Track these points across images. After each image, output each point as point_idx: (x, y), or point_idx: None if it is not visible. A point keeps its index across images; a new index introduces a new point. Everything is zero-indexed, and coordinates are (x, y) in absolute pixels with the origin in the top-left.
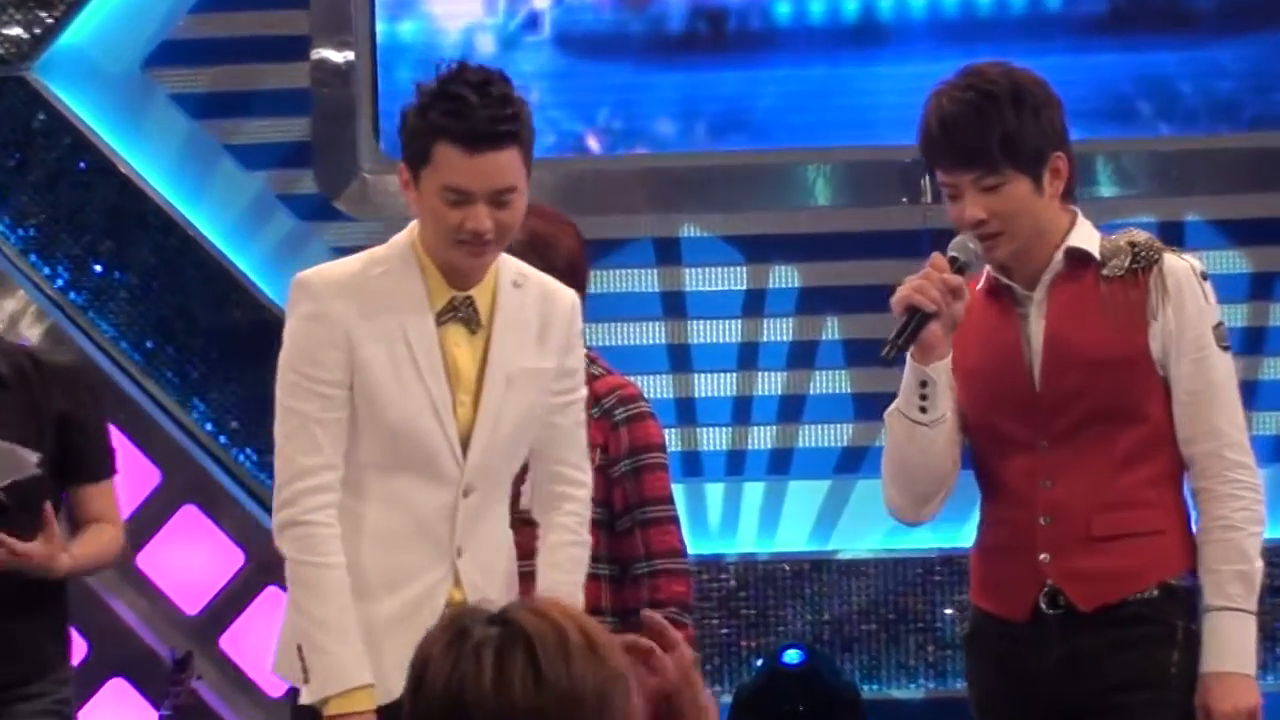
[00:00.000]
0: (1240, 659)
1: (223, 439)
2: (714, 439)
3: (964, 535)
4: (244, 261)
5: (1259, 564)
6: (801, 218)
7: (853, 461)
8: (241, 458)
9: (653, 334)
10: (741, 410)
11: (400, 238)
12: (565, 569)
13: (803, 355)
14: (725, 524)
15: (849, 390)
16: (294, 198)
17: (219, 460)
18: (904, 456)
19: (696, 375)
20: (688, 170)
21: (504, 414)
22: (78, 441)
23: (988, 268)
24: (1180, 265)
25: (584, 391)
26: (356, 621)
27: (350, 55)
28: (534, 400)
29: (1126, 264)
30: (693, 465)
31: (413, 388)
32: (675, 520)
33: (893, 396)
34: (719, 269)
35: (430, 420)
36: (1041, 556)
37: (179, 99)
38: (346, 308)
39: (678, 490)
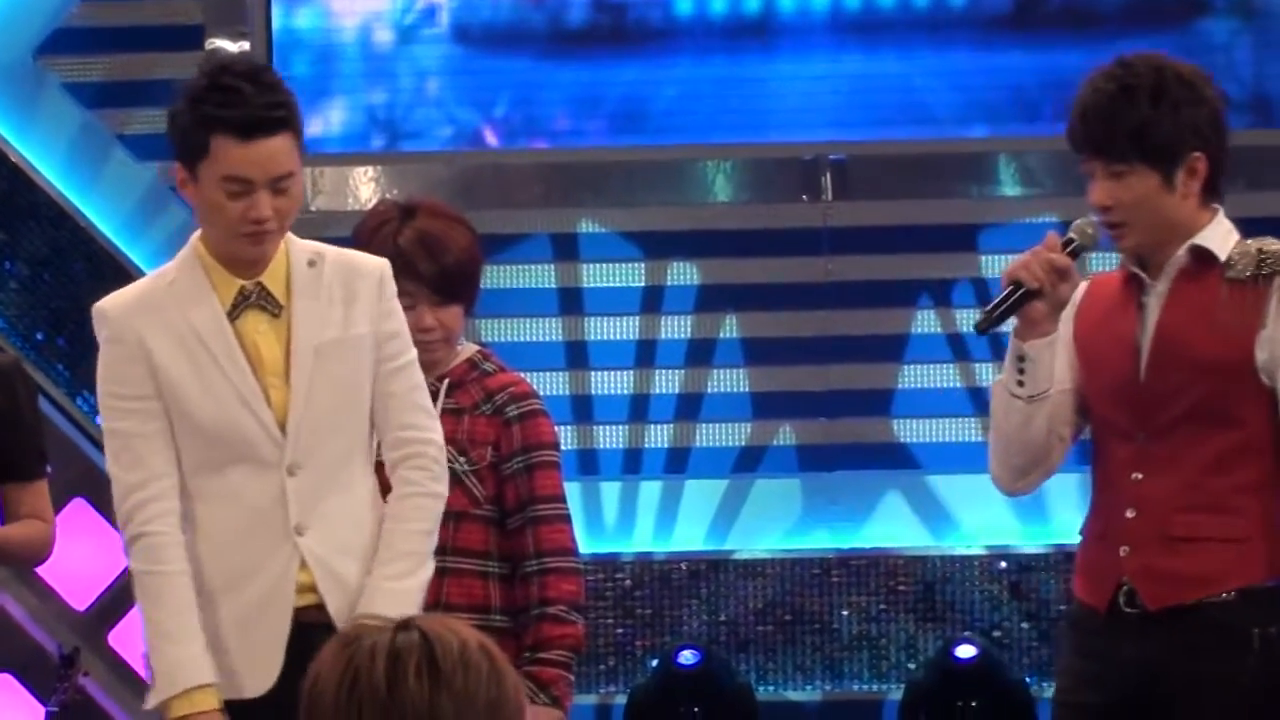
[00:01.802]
0: None
1: None
2: (611, 437)
3: (861, 537)
4: (136, 253)
5: None
6: (701, 214)
7: (751, 461)
8: None
9: (549, 330)
10: (638, 408)
11: (184, 249)
12: (403, 518)
13: (701, 353)
14: (621, 523)
15: (747, 389)
16: None
17: None
18: (1002, 428)
19: (593, 373)
20: (586, 165)
21: (316, 387)
22: (9, 440)
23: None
24: None
25: (413, 353)
26: (197, 623)
27: (245, 45)
28: (351, 369)
29: (1251, 269)
30: (589, 463)
31: (216, 383)
32: (567, 518)
33: (793, 396)
34: (617, 265)
35: (240, 410)
36: (1122, 550)
37: (71, 88)
38: (139, 324)
39: (573, 488)
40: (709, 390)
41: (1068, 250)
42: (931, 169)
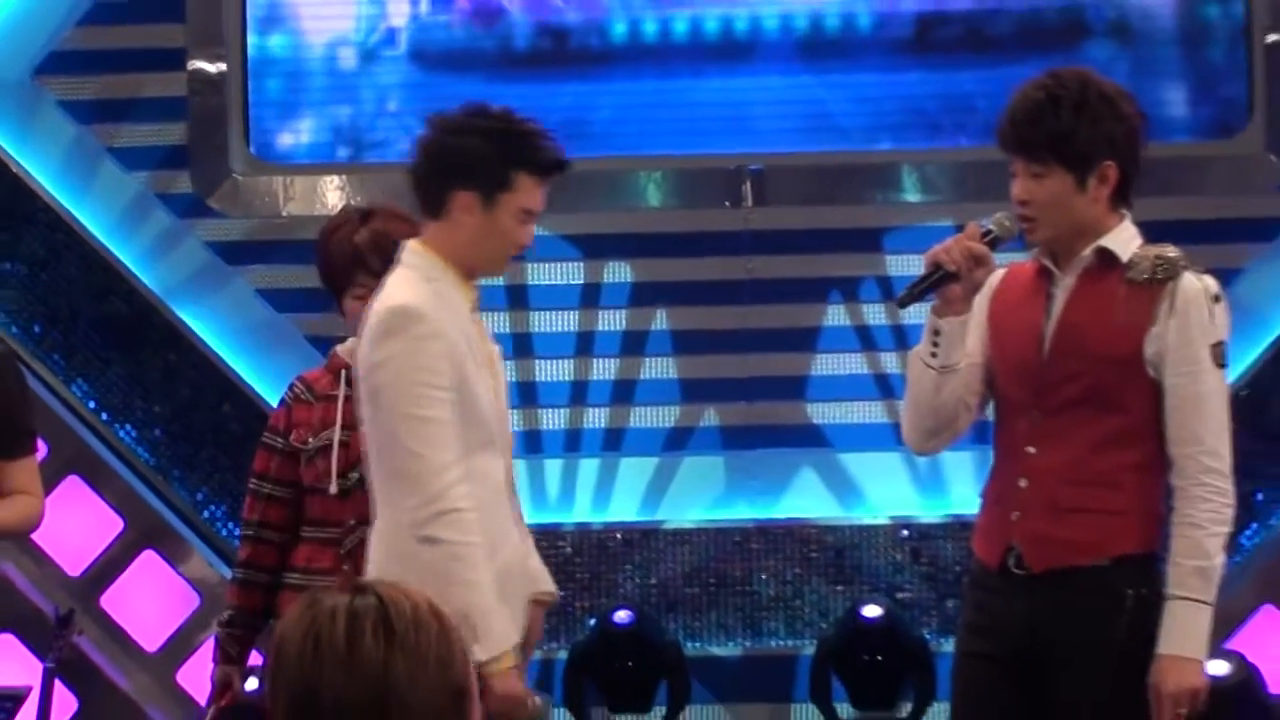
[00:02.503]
0: (1191, 644)
1: (104, 415)
2: (553, 419)
3: (778, 508)
4: (125, 254)
5: (1219, 560)
6: (634, 219)
7: (679, 440)
8: (121, 433)
9: (498, 323)
10: (578, 393)
11: (414, 258)
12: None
13: (634, 343)
14: (563, 496)
15: (676, 375)
16: (171, 197)
17: (100, 434)
18: (916, 392)
19: (537, 361)
20: None
21: (501, 384)
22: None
23: (1037, 249)
24: (1195, 285)
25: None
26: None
27: (223, 66)
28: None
29: (1149, 273)
30: (534, 443)
31: (481, 377)
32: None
33: (717, 382)
34: (558, 264)
35: (489, 400)
36: (1014, 515)
37: (66, 105)
38: (445, 320)
39: (519, 465)
40: (641, 377)
41: (985, 240)
42: (842, 178)
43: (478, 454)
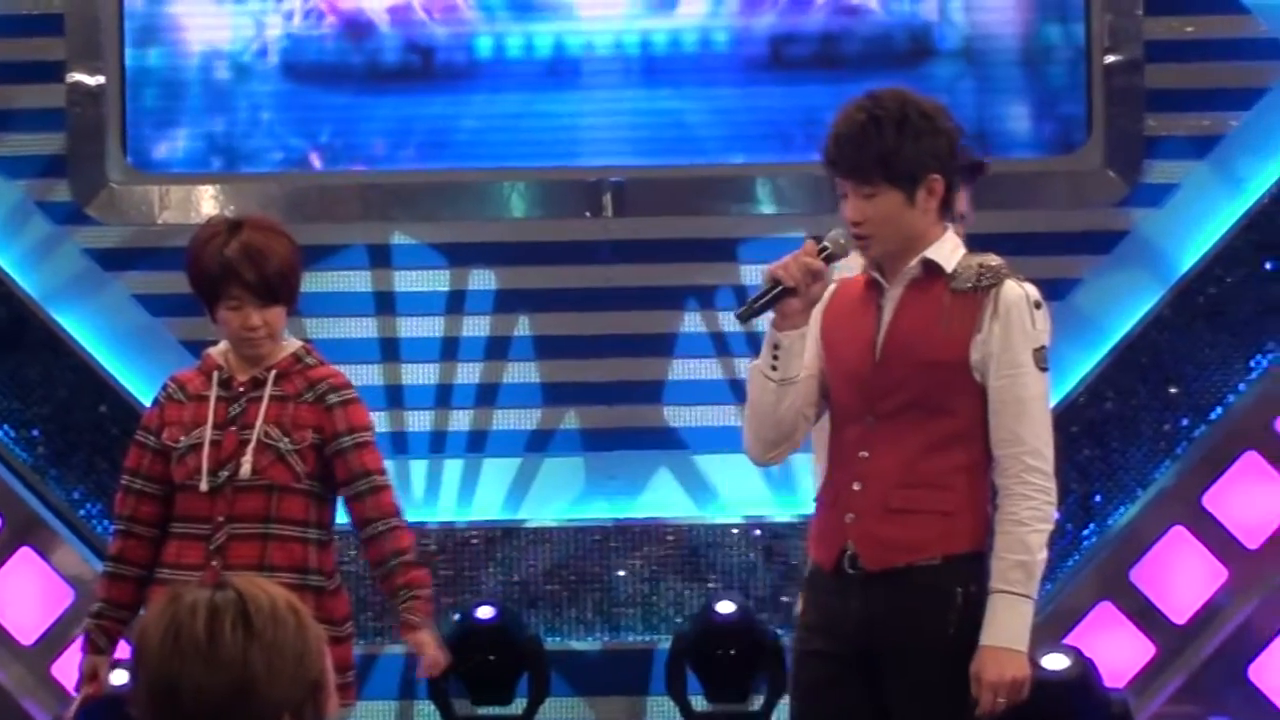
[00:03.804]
0: (1012, 636)
1: None
2: (419, 421)
3: (635, 507)
4: (4, 259)
5: (1041, 556)
6: (498, 229)
7: (541, 442)
8: (0, 433)
9: (366, 329)
10: (443, 396)
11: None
12: None
13: (498, 348)
14: (428, 495)
15: (538, 380)
16: (50, 204)
17: None
18: (756, 405)
19: (404, 365)
20: (399, 185)
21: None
22: None
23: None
24: (1017, 291)
25: None
26: None
27: (102, 79)
28: None
29: (972, 282)
30: (400, 443)
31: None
32: (392, 487)
33: (578, 386)
34: (425, 272)
35: None
36: (848, 517)
37: None
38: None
39: (386, 466)
40: (504, 381)
41: (822, 256)
42: (698, 190)
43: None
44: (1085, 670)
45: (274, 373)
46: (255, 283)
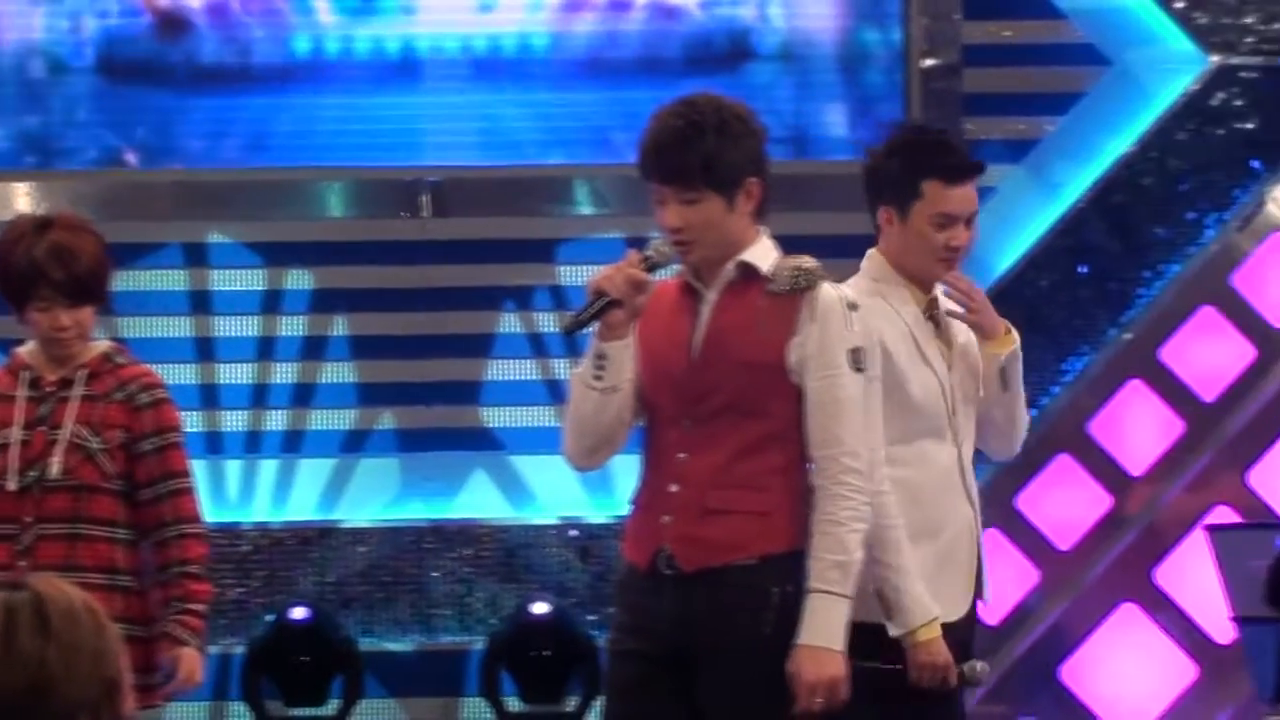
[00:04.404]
0: (828, 635)
1: None
2: (234, 421)
3: (451, 508)
4: None
5: (858, 555)
6: (315, 228)
7: (357, 442)
8: None
9: (181, 328)
10: (259, 396)
11: (869, 266)
12: None
13: (314, 348)
14: (243, 495)
15: (354, 380)
16: None
17: None
18: (578, 413)
19: (219, 365)
20: (215, 184)
21: (965, 388)
22: None
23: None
24: (832, 294)
25: None
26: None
27: None
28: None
29: (789, 284)
30: (215, 443)
31: (922, 371)
32: (195, 491)
33: (395, 386)
34: (241, 271)
35: (936, 393)
36: (665, 519)
37: None
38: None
39: (200, 465)
40: (321, 381)
41: (645, 266)
42: (516, 191)
43: (917, 440)
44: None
45: (84, 372)
46: (64, 282)
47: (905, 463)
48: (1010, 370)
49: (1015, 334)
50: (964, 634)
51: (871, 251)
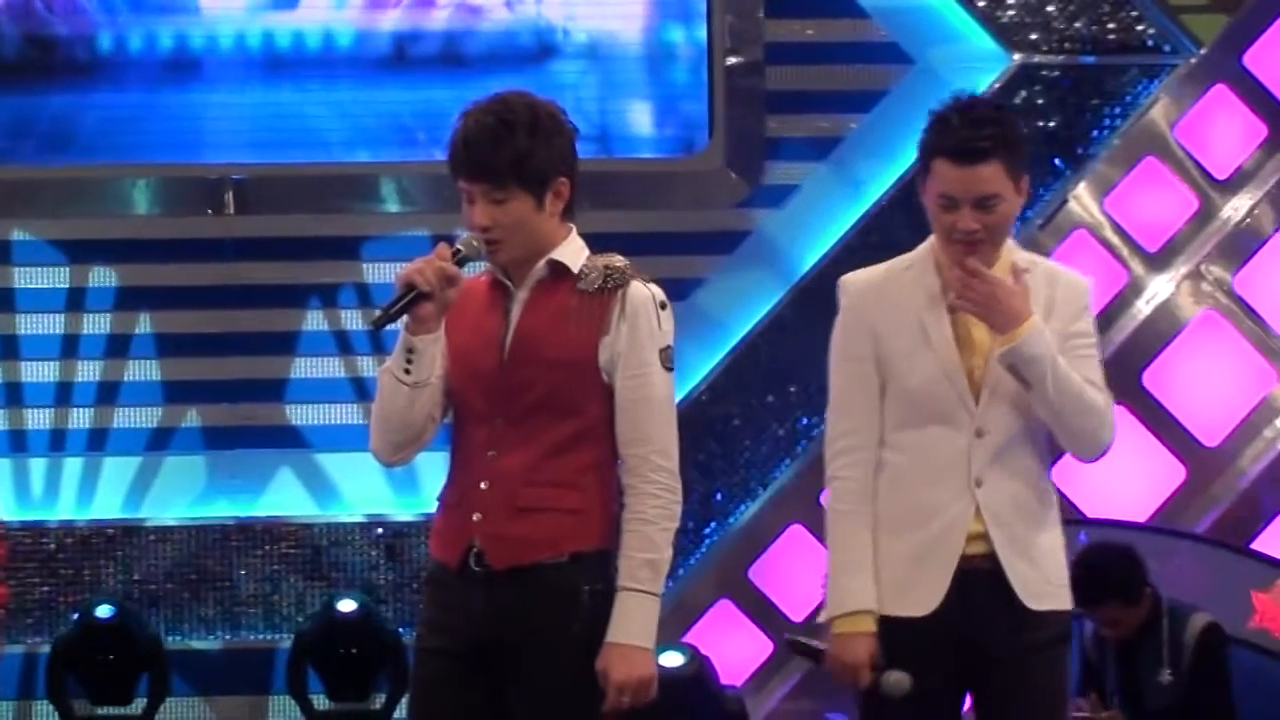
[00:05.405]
0: (640, 633)
1: None
2: (38, 419)
3: (257, 506)
4: None
5: (668, 553)
6: (120, 225)
7: (162, 440)
8: None
9: None
10: (63, 394)
11: (924, 246)
12: None
13: (119, 346)
14: (47, 493)
15: (160, 378)
16: None
17: None
18: (387, 408)
19: (23, 363)
20: (18, 181)
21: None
22: None
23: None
24: (643, 292)
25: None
26: (869, 556)
27: None
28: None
29: (599, 283)
30: (18, 442)
31: (925, 358)
32: None
33: (200, 384)
34: (45, 269)
35: (942, 381)
36: (475, 516)
37: None
38: (871, 298)
39: (4, 464)
40: (126, 379)
41: (455, 259)
42: (321, 188)
43: (923, 428)
44: (701, 667)
45: None
46: None
47: (899, 449)
48: (1021, 369)
49: (1025, 328)
50: (937, 633)
51: None
